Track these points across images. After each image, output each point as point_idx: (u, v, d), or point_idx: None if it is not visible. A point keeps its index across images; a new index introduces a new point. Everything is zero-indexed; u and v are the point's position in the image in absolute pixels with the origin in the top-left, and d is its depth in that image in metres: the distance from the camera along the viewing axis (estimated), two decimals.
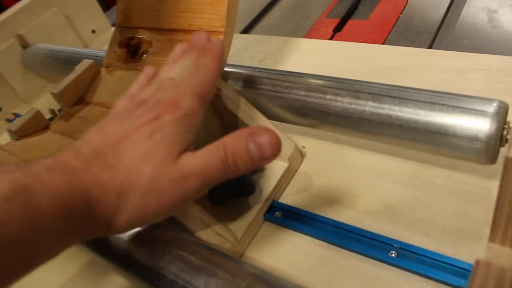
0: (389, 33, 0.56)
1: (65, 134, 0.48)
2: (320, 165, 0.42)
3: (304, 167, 0.42)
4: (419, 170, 0.38)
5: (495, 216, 0.28)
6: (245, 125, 0.40)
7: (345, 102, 0.36)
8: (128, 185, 0.27)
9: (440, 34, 0.55)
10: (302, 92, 0.38)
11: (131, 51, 0.50)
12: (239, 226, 0.37)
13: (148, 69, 0.37)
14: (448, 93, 0.33)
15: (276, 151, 0.29)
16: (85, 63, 0.53)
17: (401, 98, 0.34)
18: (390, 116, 0.34)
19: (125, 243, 0.33)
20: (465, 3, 0.58)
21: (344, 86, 0.37)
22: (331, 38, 0.59)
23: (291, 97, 0.39)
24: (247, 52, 0.60)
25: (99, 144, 0.29)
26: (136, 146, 0.28)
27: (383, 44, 0.55)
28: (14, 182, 0.23)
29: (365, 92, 0.35)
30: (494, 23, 0.54)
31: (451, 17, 0.57)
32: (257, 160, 0.29)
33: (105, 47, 0.53)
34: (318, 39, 0.58)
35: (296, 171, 0.42)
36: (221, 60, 0.36)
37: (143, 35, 0.49)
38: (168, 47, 0.46)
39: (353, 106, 0.36)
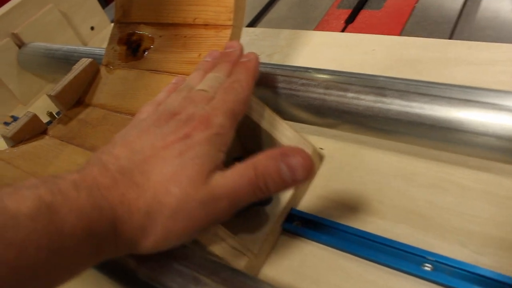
0: (405, 24, 0.53)
1: (64, 139, 0.45)
2: (340, 168, 0.38)
3: (323, 171, 0.39)
4: (448, 172, 0.35)
5: None
6: (266, 134, 0.36)
7: (369, 100, 0.33)
8: (156, 205, 0.26)
9: (459, 24, 0.52)
10: (320, 90, 0.35)
11: (131, 48, 0.47)
12: (256, 239, 0.34)
13: (177, 79, 0.37)
14: (483, 89, 0.30)
15: (308, 174, 0.28)
16: (83, 62, 0.49)
17: (432, 95, 0.31)
18: (419, 115, 0.31)
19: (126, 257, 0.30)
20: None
21: (366, 83, 0.33)
22: (343, 30, 0.56)
23: (308, 96, 0.35)
24: (255, 46, 0.57)
25: (126, 160, 0.27)
26: (165, 165, 0.27)
27: (399, 35, 0.51)
28: (39, 200, 0.22)
29: (390, 89, 0.32)
30: None
31: (471, 6, 0.54)
32: (289, 182, 0.27)
33: (105, 45, 0.50)
34: (330, 31, 0.55)
35: (314, 175, 0.39)
36: (256, 77, 0.34)
37: (144, 31, 0.46)
38: (171, 43, 0.43)
39: (378, 104, 0.32)
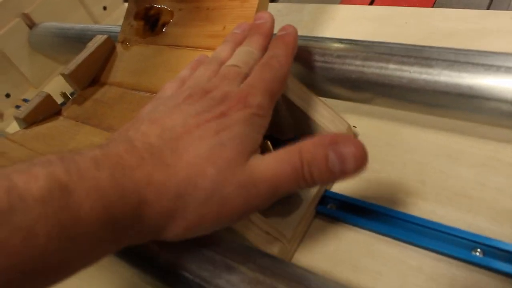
0: None
1: (79, 120, 0.43)
2: (377, 147, 0.36)
3: None
4: (498, 150, 0.32)
5: None
6: (301, 112, 0.34)
7: (414, 72, 0.30)
8: (189, 188, 0.23)
9: None
10: (358, 62, 0.32)
11: (149, 23, 0.44)
12: (289, 223, 0.31)
13: (201, 57, 0.34)
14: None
15: (360, 166, 0.25)
16: (99, 39, 0.47)
17: (485, 64, 0.28)
18: (471, 87, 0.28)
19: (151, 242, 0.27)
20: None
21: (410, 53, 0.31)
22: (371, 4, 0.53)
23: (345, 68, 0.33)
24: (277, 22, 0.53)
25: (156, 138, 0.25)
26: (200, 145, 0.24)
27: (432, 7, 0.48)
28: (52, 180, 0.19)
29: (438, 59, 0.29)
30: None
31: None
32: (337, 173, 0.24)
33: (120, 23, 0.47)
34: (357, 4, 0.52)
35: (366, 168, 0.36)
36: (294, 52, 0.31)
37: (163, 4, 0.43)
38: (193, 16, 0.40)
39: (424, 76, 0.29)
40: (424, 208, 0.31)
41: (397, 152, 0.35)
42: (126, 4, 0.58)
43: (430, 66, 0.29)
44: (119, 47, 0.47)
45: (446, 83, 0.29)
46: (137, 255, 0.28)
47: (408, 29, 0.44)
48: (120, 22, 0.47)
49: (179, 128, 0.25)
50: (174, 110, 0.27)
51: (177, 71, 0.34)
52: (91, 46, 0.47)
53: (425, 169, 0.33)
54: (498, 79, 0.27)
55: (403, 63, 0.30)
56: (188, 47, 0.40)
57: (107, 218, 0.21)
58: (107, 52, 0.47)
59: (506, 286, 0.26)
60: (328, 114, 0.34)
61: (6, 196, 0.18)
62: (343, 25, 0.49)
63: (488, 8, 0.46)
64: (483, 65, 0.28)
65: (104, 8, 0.74)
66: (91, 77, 0.47)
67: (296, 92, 0.34)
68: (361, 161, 0.24)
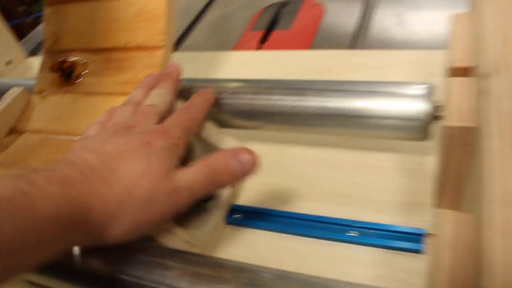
0: (312, 40, 0.60)
1: (3, 166, 0.46)
2: (271, 165, 0.43)
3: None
4: (364, 156, 0.41)
5: (439, 185, 0.32)
6: (213, 146, 0.41)
7: (293, 100, 0.38)
8: (127, 197, 0.29)
9: (358, 38, 0.60)
10: (249, 96, 0.40)
11: (64, 74, 0.49)
12: (204, 232, 0.37)
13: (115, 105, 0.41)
14: (386, 82, 0.37)
15: (255, 166, 0.34)
16: (14, 91, 0.51)
17: (345, 90, 0.37)
18: (337, 108, 0.37)
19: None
20: (375, 8, 0.63)
21: (289, 86, 0.39)
22: (258, 49, 0.62)
23: (238, 102, 0.40)
24: None
25: (96, 161, 0.30)
26: (134, 165, 0.31)
27: (310, 49, 0.58)
28: (16, 188, 0.25)
29: (309, 89, 0.38)
30: (403, 25, 0.59)
31: (365, 22, 0.62)
32: (239, 174, 0.34)
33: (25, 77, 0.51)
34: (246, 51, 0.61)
35: (259, 167, 0.43)
36: (211, 104, 0.40)
37: (77, 57, 0.49)
38: (106, 66, 0.46)
39: (299, 103, 0.38)
40: (311, 207, 0.38)
41: (286, 167, 0.43)
42: (30, 59, 0.63)
43: (304, 94, 0.38)
44: (35, 98, 0.51)
45: (318, 107, 0.37)
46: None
47: (289, 69, 0.53)
48: (26, 75, 0.51)
49: (115, 153, 0.31)
50: (106, 141, 0.33)
51: (94, 116, 0.40)
52: (8, 98, 0.50)
53: (311, 178, 0.41)
54: (355, 100, 0.36)
55: (284, 94, 0.39)
56: (103, 94, 0.45)
57: (62, 220, 0.26)
58: (23, 103, 0.51)
59: (377, 253, 0.34)
60: (233, 143, 0.41)
61: None
62: (236, 68, 0.57)
63: (350, 48, 0.57)
64: (343, 91, 0.37)
65: (8, 63, 0.77)
66: (9, 128, 0.50)
67: (209, 130, 0.40)
68: (254, 162, 0.34)
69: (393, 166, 0.40)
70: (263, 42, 0.63)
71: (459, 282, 0.25)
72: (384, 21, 0.61)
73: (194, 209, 0.39)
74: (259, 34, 0.65)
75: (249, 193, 0.42)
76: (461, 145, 0.28)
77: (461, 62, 0.31)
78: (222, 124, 0.43)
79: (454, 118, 0.27)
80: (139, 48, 0.44)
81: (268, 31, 0.65)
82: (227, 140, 0.41)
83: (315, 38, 0.60)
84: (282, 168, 0.43)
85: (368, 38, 0.58)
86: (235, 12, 0.75)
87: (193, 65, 0.61)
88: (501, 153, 0.22)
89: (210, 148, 0.41)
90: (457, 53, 0.32)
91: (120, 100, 0.41)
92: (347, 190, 0.39)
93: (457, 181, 0.30)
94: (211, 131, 0.41)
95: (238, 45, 0.64)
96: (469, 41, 0.32)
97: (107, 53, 0.46)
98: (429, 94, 0.35)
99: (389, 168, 0.40)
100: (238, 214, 0.40)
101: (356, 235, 0.35)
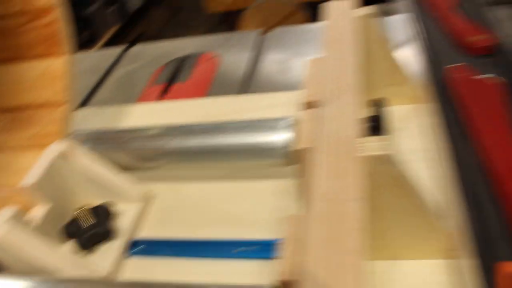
0: (208, 89, 0.67)
1: None
2: (167, 200, 0.48)
3: (156, 206, 0.48)
4: (245, 185, 0.47)
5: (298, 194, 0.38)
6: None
7: (189, 141, 0.44)
8: None
9: (248, 83, 0.68)
10: (149, 141, 0.46)
11: None
12: (108, 265, 0.41)
13: None
14: (258, 119, 0.44)
15: None
16: None
17: (226, 129, 0.44)
18: (220, 145, 0.43)
19: None
20: (263, 57, 0.72)
21: (180, 130, 0.45)
22: (160, 100, 0.68)
23: (135, 147, 0.46)
24: (85, 125, 0.65)
25: None
26: None
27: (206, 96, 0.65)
28: None
29: (199, 131, 0.44)
30: (287, 70, 0.68)
31: (253, 70, 0.70)
32: None
33: None
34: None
35: (148, 209, 0.48)
36: None
37: None
38: (14, 123, 0.50)
39: (189, 143, 0.44)
40: (204, 233, 0.44)
41: (183, 201, 0.48)
42: None
43: (194, 135, 0.44)
44: None
45: (199, 146, 0.44)
46: None
47: (187, 115, 0.60)
48: None
49: None
50: None
51: (5, 171, 0.43)
52: None
53: (203, 207, 0.47)
54: (233, 136, 0.43)
55: (176, 136, 0.45)
56: (12, 149, 0.49)
57: None
58: None
59: (260, 266, 0.40)
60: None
61: None
62: (138, 119, 0.62)
63: (241, 93, 0.65)
64: (225, 129, 0.43)
65: None
66: None
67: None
68: None
69: (269, 190, 0.46)
70: (164, 94, 0.69)
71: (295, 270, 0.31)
72: (271, 67, 0.69)
73: (99, 246, 0.43)
74: (160, 87, 0.71)
75: (150, 227, 0.46)
76: (304, 162, 0.35)
77: (312, 97, 0.39)
78: (125, 167, 0.48)
79: (299, 142, 0.34)
80: (44, 105, 0.48)
81: (168, 84, 0.71)
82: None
83: (211, 87, 0.68)
84: (179, 202, 0.48)
85: (257, 83, 0.66)
86: (139, 69, 0.81)
87: (100, 118, 0.66)
88: (326, 163, 0.29)
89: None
90: (309, 90, 0.40)
91: (29, 154, 0.45)
92: (234, 214, 0.45)
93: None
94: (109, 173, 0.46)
95: (141, 99, 0.70)
96: (319, 80, 0.40)
97: (15, 112, 0.50)
98: (291, 126, 0.42)
99: (266, 192, 0.46)
100: (141, 246, 0.44)
101: (242, 251, 0.41)
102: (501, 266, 0.29)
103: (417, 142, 0.46)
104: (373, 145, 0.29)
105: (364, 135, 0.31)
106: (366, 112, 0.42)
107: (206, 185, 0.49)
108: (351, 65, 0.37)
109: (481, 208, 0.34)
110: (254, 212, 0.44)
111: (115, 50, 0.90)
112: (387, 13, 0.73)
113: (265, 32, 0.79)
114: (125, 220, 0.45)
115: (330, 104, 0.34)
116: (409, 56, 0.58)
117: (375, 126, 0.40)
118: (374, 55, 0.46)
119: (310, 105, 0.38)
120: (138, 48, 0.90)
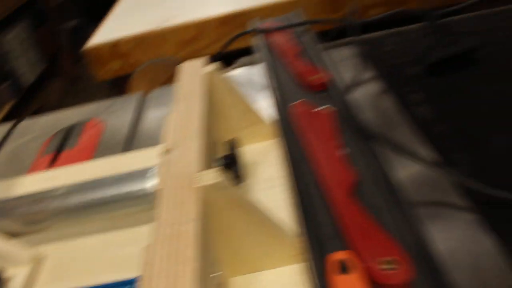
0: (94, 153, 0.72)
1: None
2: (59, 260, 0.52)
3: (46, 266, 0.51)
4: (128, 232, 0.52)
5: None
6: None
7: (65, 200, 0.49)
8: None
9: (131, 143, 0.73)
10: (28, 205, 0.49)
11: None
12: None
13: None
14: (134, 171, 0.50)
15: None
16: None
17: (103, 182, 0.49)
18: (98, 198, 0.48)
19: None
20: (145, 114, 0.78)
21: (61, 190, 0.50)
22: (49, 168, 0.71)
23: (20, 213, 0.49)
24: None
25: None
26: None
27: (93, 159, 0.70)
28: None
29: (72, 190, 0.49)
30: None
31: (135, 129, 0.76)
32: None
33: None
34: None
35: (39, 270, 0.51)
36: None
37: None
38: None
39: (71, 201, 0.49)
40: (94, 281, 0.48)
41: (71, 258, 0.52)
42: None
43: (74, 193, 0.49)
44: None
45: (82, 202, 0.48)
46: None
47: (72, 179, 0.64)
48: None
49: None
50: None
51: None
52: None
53: (94, 260, 0.51)
54: (100, 190, 0.48)
55: (64, 197, 0.49)
56: None
57: None
58: None
59: None
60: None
61: None
62: (27, 189, 0.65)
63: (125, 151, 0.70)
64: (92, 186, 0.48)
65: None
66: None
67: None
68: None
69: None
70: (53, 163, 0.73)
71: None
72: (151, 124, 0.76)
73: None
74: (49, 157, 0.74)
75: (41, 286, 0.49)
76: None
77: (167, 146, 0.45)
78: (13, 234, 0.51)
79: (157, 185, 0.40)
80: None
81: (57, 154, 0.75)
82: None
83: (97, 151, 0.72)
84: (68, 259, 0.52)
85: (139, 140, 0.72)
86: (29, 142, 0.84)
87: None
88: (171, 196, 0.35)
89: None
90: (165, 140, 0.46)
91: None
92: (122, 259, 0.49)
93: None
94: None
95: (31, 170, 0.73)
96: (171, 130, 0.47)
97: None
98: (153, 176, 0.48)
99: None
100: None
101: None
102: (330, 256, 0.36)
103: (273, 171, 0.53)
104: (208, 176, 0.35)
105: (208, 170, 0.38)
106: (221, 152, 0.50)
107: (93, 238, 0.53)
108: (196, 115, 0.44)
109: (316, 214, 0.41)
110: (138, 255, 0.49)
111: (5, 126, 0.92)
112: (248, 64, 0.83)
113: (146, 93, 0.86)
114: (15, 284, 0.48)
115: (178, 149, 0.40)
116: (264, 99, 0.67)
117: (230, 163, 0.47)
118: (227, 103, 0.54)
119: (166, 152, 0.45)
120: (27, 122, 0.92)
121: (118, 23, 1.27)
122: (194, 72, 0.52)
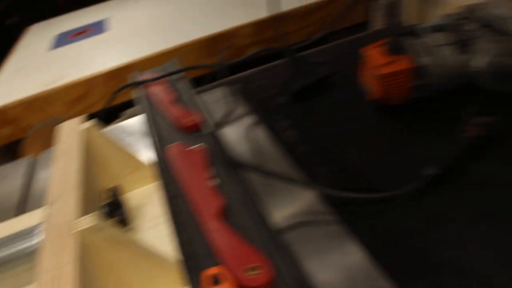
0: None
1: None
2: None
3: None
4: None
5: None
6: None
7: None
8: None
9: (24, 205, 0.75)
10: None
11: None
12: None
13: None
14: (25, 229, 0.53)
15: None
16: None
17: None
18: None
19: None
20: (35, 178, 0.80)
21: None
22: None
23: None
24: None
25: None
26: None
27: None
28: None
29: None
30: None
31: (27, 192, 0.78)
32: None
33: None
34: None
35: None
36: None
37: None
38: None
39: None
40: None
41: None
42: None
43: None
44: None
45: None
46: None
47: None
48: None
49: None
50: None
51: None
52: None
53: None
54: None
55: None
56: None
57: None
58: None
59: None
60: None
61: None
62: None
63: (18, 214, 0.72)
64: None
65: None
66: None
67: None
68: None
69: None
70: None
71: None
72: (43, 185, 0.78)
73: None
74: None
75: None
76: None
77: (49, 200, 0.49)
78: None
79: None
80: None
81: None
82: None
83: None
84: None
85: (33, 201, 0.74)
86: None
87: None
88: (52, 245, 0.39)
89: None
90: (47, 196, 0.50)
91: None
92: None
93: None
94: None
95: None
96: (52, 186, 0.50)
97: None
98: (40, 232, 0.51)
99: None
100: None
101: None
102: (204, 272, 0.42)
103: (156, 210, 0.59)
104: (84, 221, 0.40)
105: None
106: (105, 199, 0.54)
107: None
108: (74, 169, 0.49)
109: (191, 240, 0.47)
110: None
111: None
112: (133, 115, 0.88)
113: (36, 155, 0.88)
114: None
115: (58, 202, 0.45)
116: (146, 146, 0.72)
117: (113, 209, 0.52)
118: (107, 154, 0.59)
119: (48, 206, 0.49)
120: None
121: (3, 89, 1.27)
122: (71, 131, 0.57)
